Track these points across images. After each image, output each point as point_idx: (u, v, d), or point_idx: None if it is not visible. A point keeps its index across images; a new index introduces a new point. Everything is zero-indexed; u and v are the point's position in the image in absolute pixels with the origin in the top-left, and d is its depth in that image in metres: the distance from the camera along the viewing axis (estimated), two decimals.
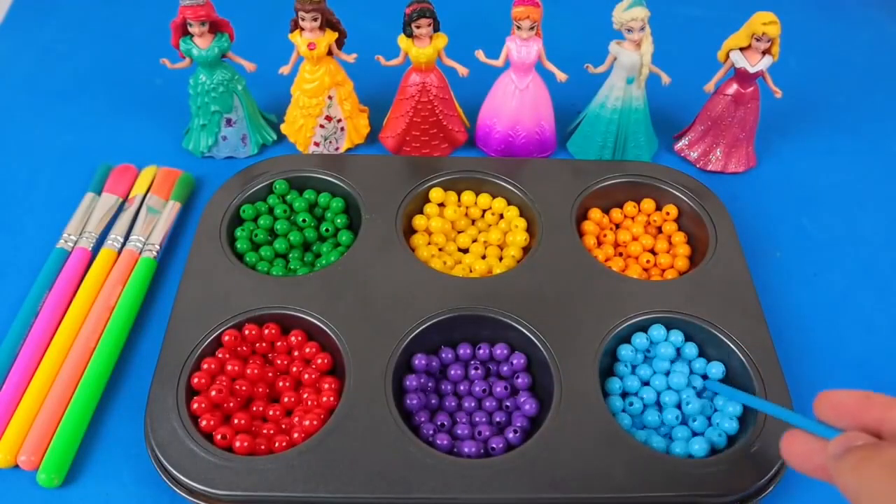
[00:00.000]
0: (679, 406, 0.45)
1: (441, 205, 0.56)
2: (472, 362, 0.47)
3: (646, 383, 0.46)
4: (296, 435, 0.42)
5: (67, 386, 0.45)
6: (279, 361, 0.47)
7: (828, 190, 0.60)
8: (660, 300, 0.48)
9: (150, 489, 0.42)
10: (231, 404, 0.44)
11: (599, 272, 0.50)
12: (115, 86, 0.67)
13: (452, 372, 0.47)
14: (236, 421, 0.43)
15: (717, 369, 0.46)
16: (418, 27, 0.53)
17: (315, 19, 0.54)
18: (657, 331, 0.47)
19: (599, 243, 0.55)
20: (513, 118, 0.58)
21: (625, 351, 0.47)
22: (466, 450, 0.42)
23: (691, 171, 0.59)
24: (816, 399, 0.32)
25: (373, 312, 0.47)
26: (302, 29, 0.55)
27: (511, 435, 0.43)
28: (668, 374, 0.46)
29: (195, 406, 0.43)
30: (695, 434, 0.44)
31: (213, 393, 0.43)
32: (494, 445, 0.43)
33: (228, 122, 0.59)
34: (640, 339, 0.47)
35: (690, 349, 0.47)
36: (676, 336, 0.47)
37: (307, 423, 0.43)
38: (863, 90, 0.69)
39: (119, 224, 0.54)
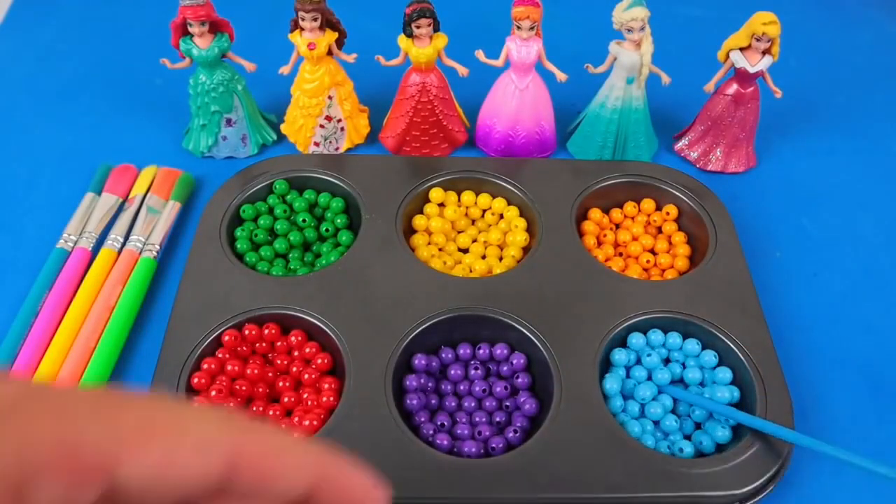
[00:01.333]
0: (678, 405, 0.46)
1: (441, 205, 0.56)
2: (472, 362, 0.47)
3: (646, 383, 0.46)
4: (296, 435, 0.42)
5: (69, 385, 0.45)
6: (279, 361, 0.47)
7: (828, 190, 0.60)
8: (660, 300, 0.48)
9: None
10: (231, 404, 0.44)
11: (599, 272, 0.50)
12: (115, 86, 0.67)
13: (452, 372, 0.47)
14: None
15: (708, 355, 0.46)
16: (418, 27, 0.53)
17: (315, 19, 0.54)
18: (657, 331, 0.47)
19: (599, 243, 0.55)
20: (513, 118, 0.58)
21: (624, 351, 0.47)
22: (466, 450, 0.42)
23: (691, 171, 0.59)
24: None
25: (373, 312, 0.47)
26: (302, 29, 0.55)
27: (511, 435, 0.43)
28: (668, 373, 0.46)
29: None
30: (696, 431, 0.44)
31: (213, 393, 0.43)
32: (494, 445, 0.43)
33: (228, 122, 0.59)
34: (639, 338, 0.47)
35: (691, 348, 0.47)
36: (676, 336, 0.47)
37: (307, 423, 0.43)
38: (863, 90, 0.69)
39: (119, 224, 0.54)
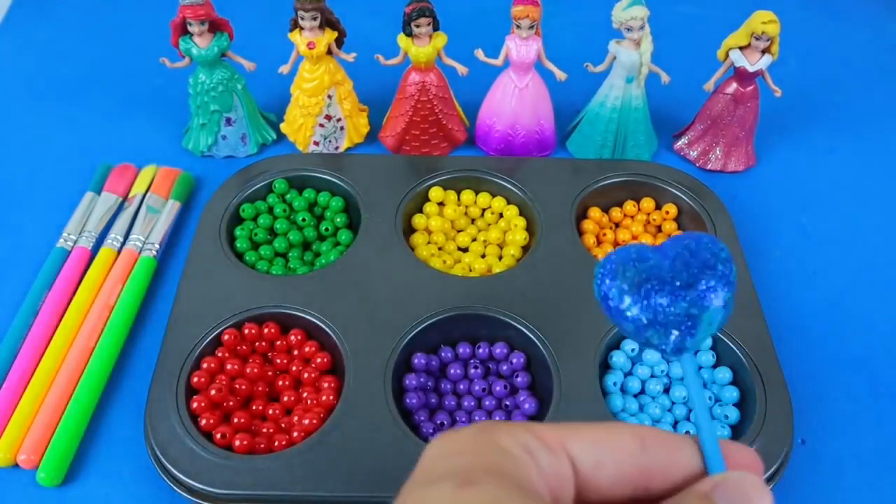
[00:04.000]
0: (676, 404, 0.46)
1: (441, 204, 0.56)
2: (472, 361, 0.47)
3: (645, 382, 0.46)
4: (295, 434, 0.42)
5: (67, 385, 0.45)
6: (279, 360, 0.47)
7: (827, 189, 0.60)
8: None
9: (149, 488, 0.42)
10: (231, 403, 0.44)
11: None
12: (114, 85, 0.67)
13: (452, 371, 0.47)
14: (236, 420, 0.43)
15: (708, 355, 0.46)
16: (418, 26, 0.53)
17: (314, 18, 0.54)
18: None
19: (599, 242, 0.54)
20: (512, 117, 0.58)
21: (623, 349, 0.47)
22: None
23: (691, 170, 0.59)
24: None
25: (372, 311, 0.47)
26: (301, 28, 0.55)
27: None
28: (667, 372, 0.46)
29: (195, 405, 0.43)
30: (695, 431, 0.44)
31: (213, 392, 0.43)
32: None
33: (228, 121, 0.59)
34: None
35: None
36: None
37: (307, 422, 0.43)
38: (863, 89, 0.69)
39: (119, 223, 0.54)
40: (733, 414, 0.44)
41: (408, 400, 0.44)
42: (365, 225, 0.52)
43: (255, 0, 0.76)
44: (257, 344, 0.47)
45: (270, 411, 0.44)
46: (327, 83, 0.57)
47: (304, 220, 0.54)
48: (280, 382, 0.46)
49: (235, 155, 0.61)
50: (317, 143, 0.60)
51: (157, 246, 0.53)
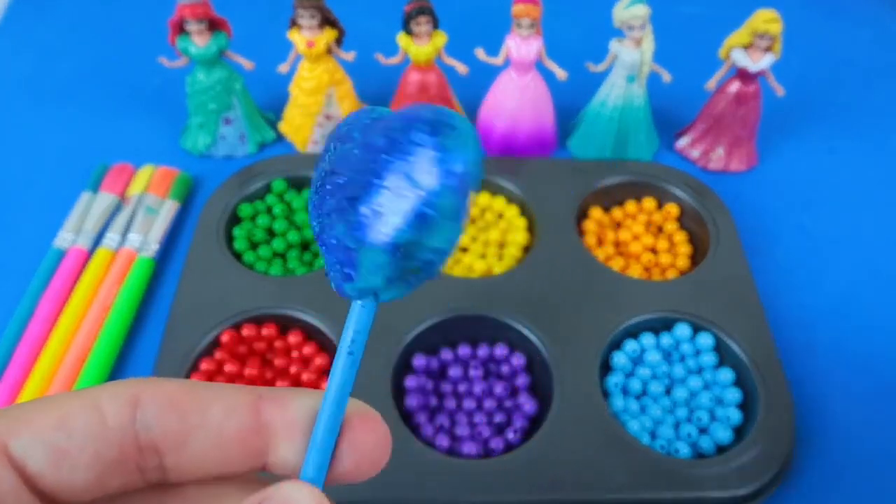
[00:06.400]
0: (677, 405, 0.45)
1: None
2: (472, 362, 0.47)
3: (647, 383, 0.46)
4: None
5: (64, 386, 0.45)
6: (277, 362, 0.46)
7: (830, 189, 0.60)
8: (661, 300, 0.48)
9: None
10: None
11: (600, 271, 0.50)
12: (112, 85, 0.67)
13: (452, 372, 0.46)
14: None
15: (710, 355, 0.46)
16: (418, 25, 0.53)
17: (313, 17, 0.53)
18: (658, 330, 0.47)
19: (600, 242, 0.54)
20: (513, 117, 0.58)
21: (625, 350, 0.46)
22: (466, 450, 0.42)
23: (693, 170, 0.58)
24: None
25: None
26: (300, 26, 0.54)
27: (511, 435, 0.43)
28: (668, 373, 0.46)
29: None
30: (700, 432, 0.44)
31: None
32: (494, 446, 0.42)
33: (227, 120, 0.59)
34: (640, 338, 0.47)
35: (692, 347, 0.47)
36: (677, 335, 0.47)
37: None
38: (866, 88, 0.69)
39: (116, 223, 0.54)
40: (736, 415, 0.44)
41: (408, 401, 0.44)
42: None
43: None
44: (256, 345, 0.47)
45: None
46: (326, 82, 0.57)
47: (303, 220, 0.54)
48: (279, 384, 0.45)
49: (234, 155, 0.61)
50: (316, 143, 0.60)
51: (155, 246, 0.52)
